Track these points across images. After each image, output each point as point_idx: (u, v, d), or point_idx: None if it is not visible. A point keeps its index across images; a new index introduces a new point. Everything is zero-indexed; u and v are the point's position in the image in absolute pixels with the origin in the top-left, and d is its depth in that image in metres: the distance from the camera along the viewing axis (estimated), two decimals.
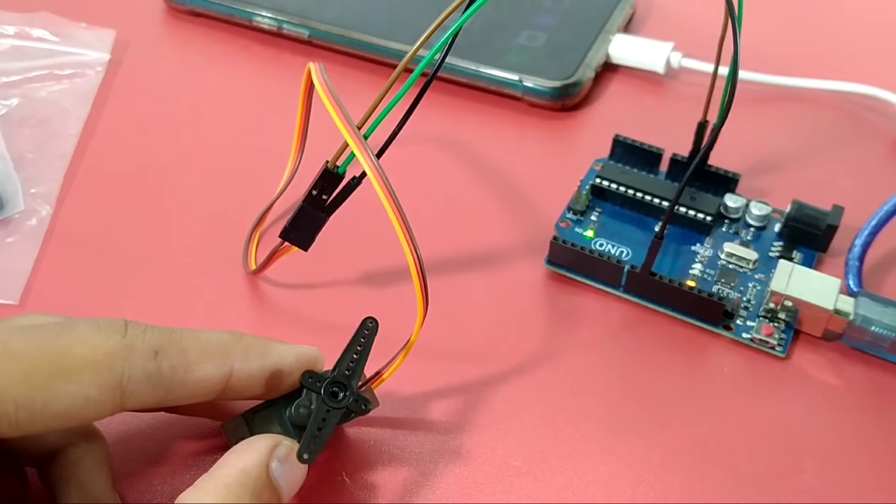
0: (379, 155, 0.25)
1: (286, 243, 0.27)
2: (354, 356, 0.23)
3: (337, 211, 0.26)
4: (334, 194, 0.26)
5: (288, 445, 0.22)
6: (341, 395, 0.23)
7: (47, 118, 0.36)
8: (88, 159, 0.35)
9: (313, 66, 0.25)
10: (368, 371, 0.24)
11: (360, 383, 0.24)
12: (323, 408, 0.22)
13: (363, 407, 0.23)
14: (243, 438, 0.22)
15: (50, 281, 0.30)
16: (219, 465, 0.21)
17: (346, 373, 0.23)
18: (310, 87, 0.27)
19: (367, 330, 0.23)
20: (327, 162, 0.25)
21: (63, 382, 0.19)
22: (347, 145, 0.24)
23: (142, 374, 0.20)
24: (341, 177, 0.25)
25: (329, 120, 0.23)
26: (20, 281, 0.30)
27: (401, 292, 0.30)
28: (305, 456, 0.21)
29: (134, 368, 0.20)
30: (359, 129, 0.23)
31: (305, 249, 0.27)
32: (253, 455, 0.21)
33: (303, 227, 0.27)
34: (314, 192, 0.26)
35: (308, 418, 0.22)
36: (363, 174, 0.25)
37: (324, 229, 0.27)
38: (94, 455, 0.23)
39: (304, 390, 0.23)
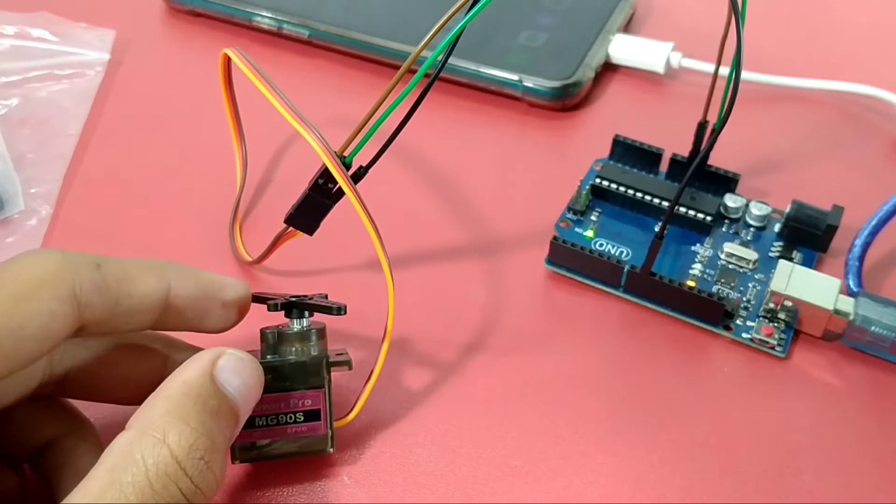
0: (379, 155, 0.25)
1: (290, 229, 0.28)
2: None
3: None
4: None
5: (232, 353, 0.22)
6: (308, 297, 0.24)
7: (47, 118, 0.36)
8: (88, 159, 0.35)
9: (231, 52, 0.25)
10: (367, 360, 0.25)
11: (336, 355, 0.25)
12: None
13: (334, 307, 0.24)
14: None
15: None
16: (165, 381, 0.21)
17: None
18: (227, 75, 0.28)
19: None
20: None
21: (27, 303, 0.20)
22: (355, 135, 0.24)
23: (90, 284, 0.21)
24: (348, 166, 0.25)
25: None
26: None
27: (398, 281, 0.30)
28: None
29: (83, 279, 0.21)
30: (360, 129, 0.23)
31: (311, 234, 0.27)
32: (195, 366, 0.21)
33: (308, 213, 0.27)
34: (320, 182, 0.26)
35: (274, 337, 0.24)
36: (370, 164, 0.25)
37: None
38: (87, 442, 0.23)
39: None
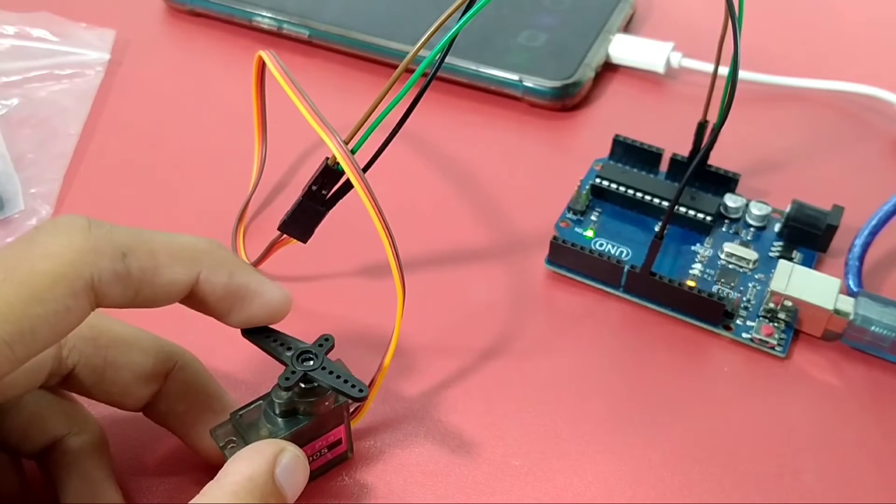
0: (378, 154, 0.25)
1: (284, 236, 0.27)
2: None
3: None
4: (334, 189, 0.26)
5: (292, 451, 0.22)
6: (312, 362, 0.23)
7: (47, 118, 0.36)
8: (88, 159, 0.35)
9: (265, 55, 0.25)
10: (365, 366, 0.25)
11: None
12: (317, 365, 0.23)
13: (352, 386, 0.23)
14: (232, 438, 0.23)
15: None
16: (226, 472, 0.21)
17: (312, 348, 0.23)
18: (261, 77, 0.28)
19: (321, 345, 0.23)
20: (328, 159, 0.25)
21: (40, 305, 0.19)
22: (351, 137, 0.24)
23: (111, 276, 0.20)
24: (342, 173, 0.25)
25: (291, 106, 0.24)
26: None
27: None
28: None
29: (103, 271, 0.20)
30: (359, 129, 0.23)
31: (304, 242, 0.27)
32: (259, 461, 0.21)
33: (301, 221, 0.27)
34: (314, 188, 0.26)
35: (285, 400, 0.23)
36: (367, 165, 0.25)
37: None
38: (93, 443, 0.24)
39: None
